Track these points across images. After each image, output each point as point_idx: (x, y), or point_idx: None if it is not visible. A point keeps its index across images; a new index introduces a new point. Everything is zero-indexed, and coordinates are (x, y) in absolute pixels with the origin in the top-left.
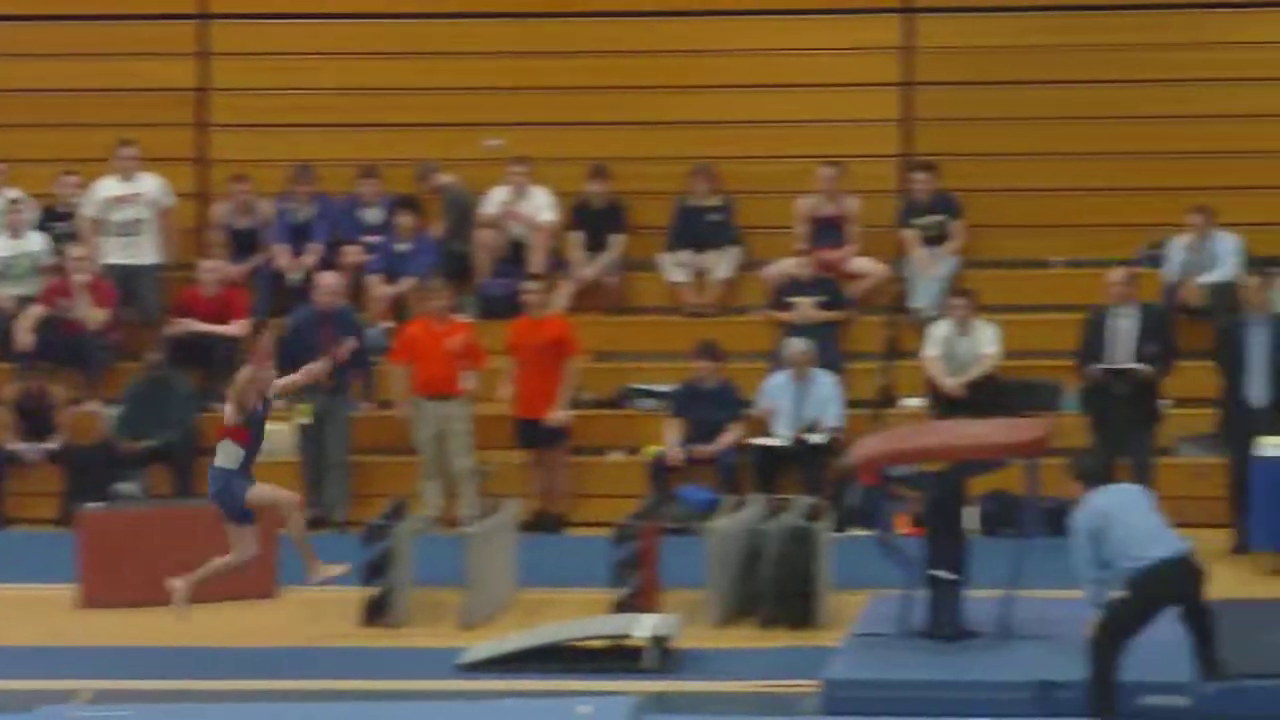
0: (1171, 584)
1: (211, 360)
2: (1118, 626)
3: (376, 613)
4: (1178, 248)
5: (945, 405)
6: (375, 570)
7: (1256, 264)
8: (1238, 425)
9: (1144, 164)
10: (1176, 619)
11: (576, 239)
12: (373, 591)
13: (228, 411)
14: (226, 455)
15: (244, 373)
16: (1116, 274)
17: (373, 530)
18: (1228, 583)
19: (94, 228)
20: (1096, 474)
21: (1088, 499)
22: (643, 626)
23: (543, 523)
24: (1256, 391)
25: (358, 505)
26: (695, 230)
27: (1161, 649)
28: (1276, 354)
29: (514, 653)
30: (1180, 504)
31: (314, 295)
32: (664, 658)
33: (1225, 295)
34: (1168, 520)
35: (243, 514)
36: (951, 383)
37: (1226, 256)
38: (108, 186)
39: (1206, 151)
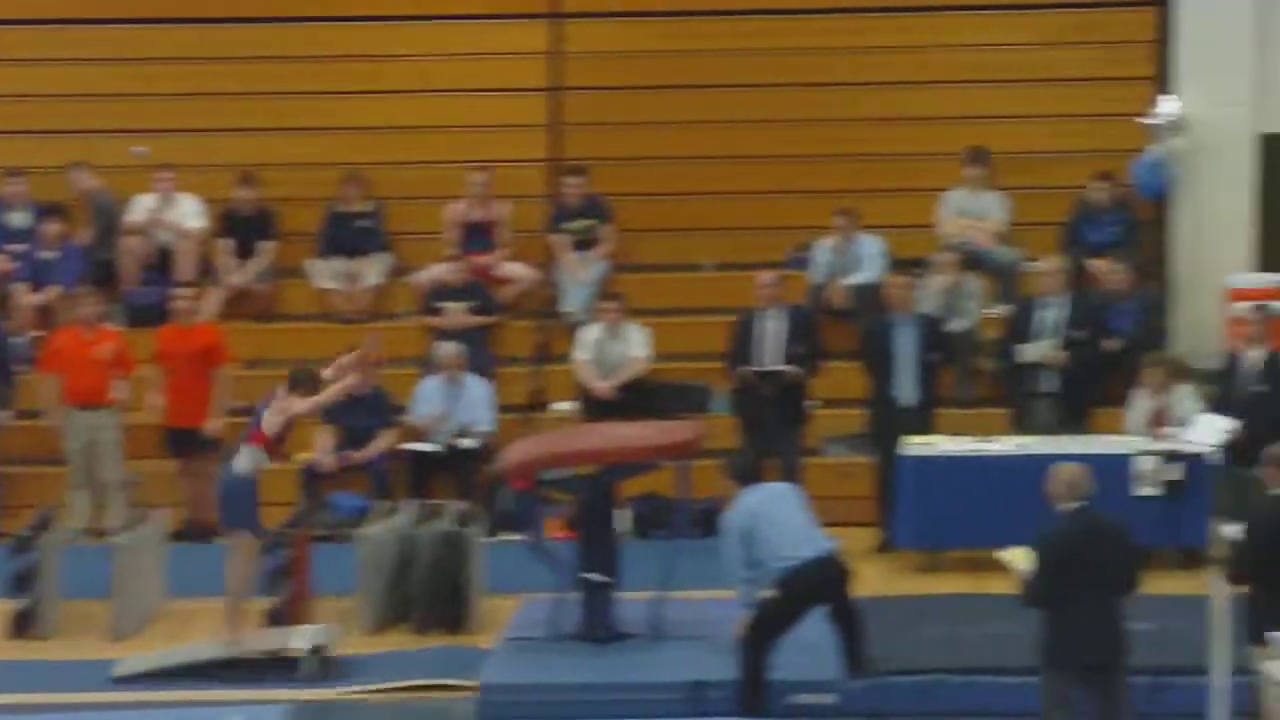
0: (818, 583)
1: None
2: (766, 625)
3: (24, 625)
4: (823, 250)
5: (596, 408)
6: (22, 582)
7: (899, 265)
8: (886, 425)
9: (789, 167)
10: (825, 617)
11: (225, 246)
12: (20, 603)
13: (268, 419)
14: (248, 460)
15: (303, 405)
16: (764, 276)
17: (19, 541)
18: (874, 580)
19: None
20: (748, 473)
21: (738, 499)
22: (300, 637)
23: (193, 532)
24: (904, 391)
25: (4, 516)
26: (345, 236)
27: (810, 647)
28: (922, 354)
29: (171, 665)
30: (828, 503)
31: None
32: (321, 666)
33: (870, 296)
34: (817, 520)
35: (254, 522)
36: (602, 386)
37: (870, 258)
38: None
39: (849, 154)
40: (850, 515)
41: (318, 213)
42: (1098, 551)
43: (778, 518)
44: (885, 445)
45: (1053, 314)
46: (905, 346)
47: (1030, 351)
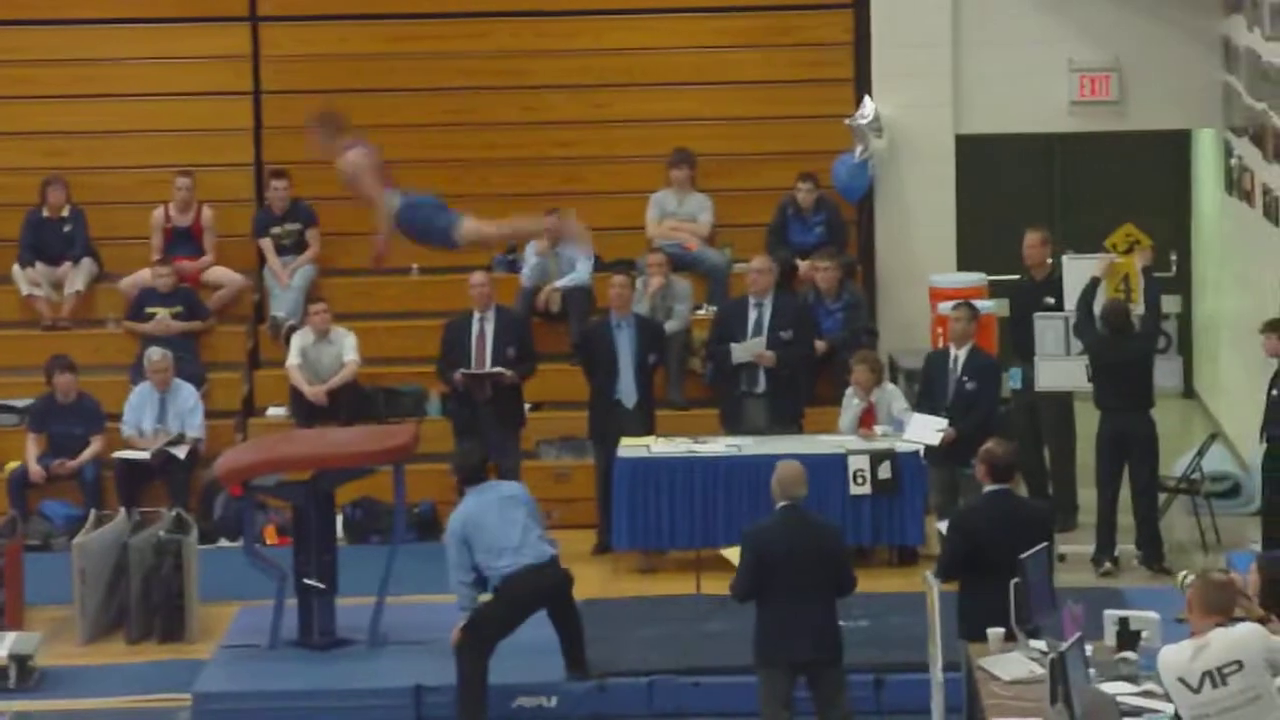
0: (536, 589)
1: None
2: (483, 631)
3: None
4: (533, 252)
5: (309, 413)
6: None
7: (608, 268)
8: (609, 426)
9: (495, 170)
10: (547, 620)
11: None
12: None
13: None
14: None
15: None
16: (476, 277)
17: None
18: (592, 583)
19: None
20: (473, 473)
21: (462, 501)
22: (2, 645)
23: None
24: (626, 392)
25: None
26: (48, 242)
27: (532, 651)
28: (642, 355)
29: None
30: (545, 506)
31: None
32: (25, 676)
33: (580, 299)
34: (543, 521)
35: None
36: (314, 390)
37: (580, 260)
38: None
39: (555, 157)
40: (567, 518)
41: (19, 218)
42: (804, 550)
43: (498, 521)
44: (609, 447)
45: (759, 314)
46: (625, 348)
47: (740, 352)
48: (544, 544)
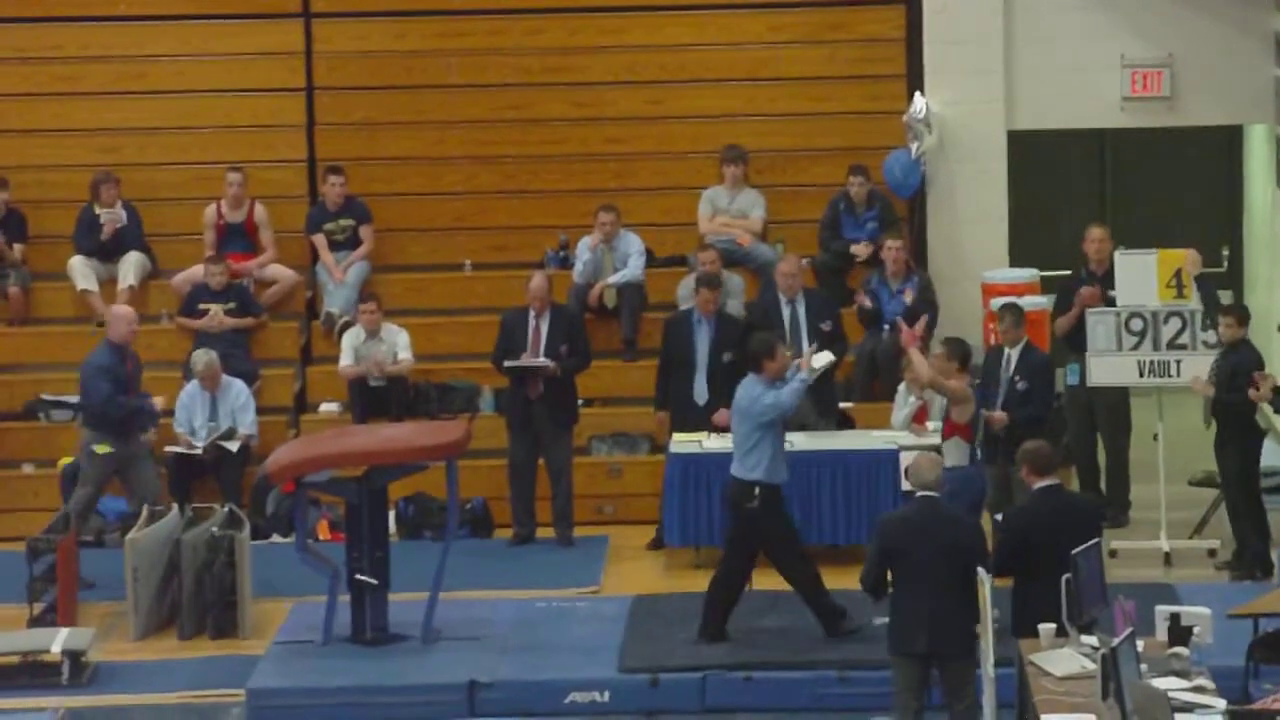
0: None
1: None
2: None
3: None
4: (585, 248)
5: (363, 410)
6: None
7: (662, 263)
8: (686, 423)
9: (548, 166)
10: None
11: None
12: None
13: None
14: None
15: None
16: (535, 284)
17: None
18: (646, 578)
19: None
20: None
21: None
22: (56, 641)
23: None
24: (699, 389)
25: None
26: (101, 238)
27: (586, 647)
28: (715, 353)
29: None
30: (597, 502)
31: None
32: (80, 672)
33: (633, 295)
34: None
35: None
36: (358, 370)
37: (633, 256)
38: None
39: (607, 153)
40: (621, 514)
41: (72, 214)
42: (931, 541)
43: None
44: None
45: (794, 310)
46: (703, 345)
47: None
48: (737, 461)
